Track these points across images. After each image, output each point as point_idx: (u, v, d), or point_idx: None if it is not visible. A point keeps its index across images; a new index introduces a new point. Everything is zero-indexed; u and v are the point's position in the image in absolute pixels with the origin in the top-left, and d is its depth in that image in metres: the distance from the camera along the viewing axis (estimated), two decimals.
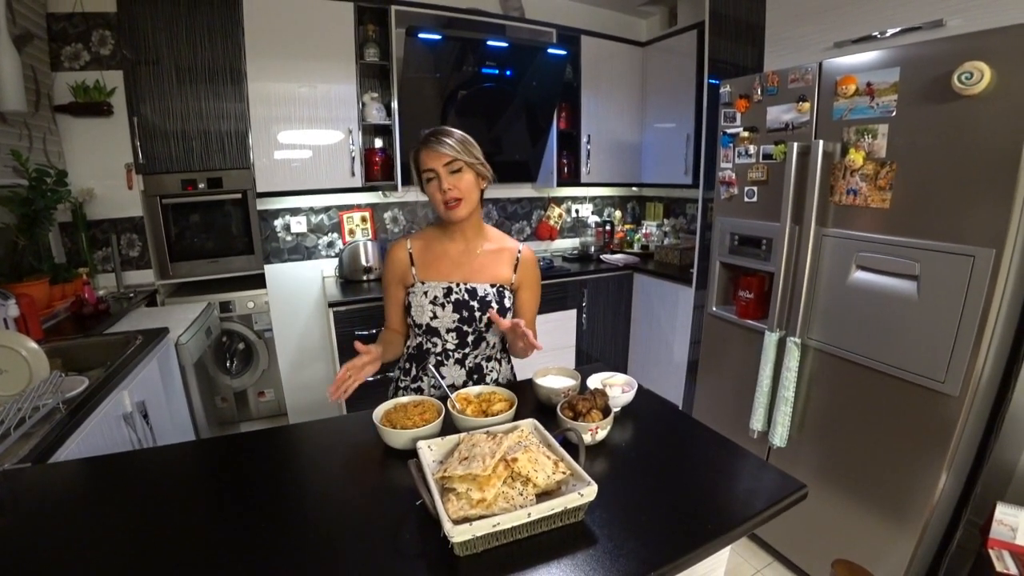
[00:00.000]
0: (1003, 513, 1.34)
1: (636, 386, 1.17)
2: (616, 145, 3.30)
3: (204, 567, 0.70)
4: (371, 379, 1.17)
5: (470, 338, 1.28)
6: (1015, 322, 1.36)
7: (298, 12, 2.33)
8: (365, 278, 2.75)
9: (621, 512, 0.81)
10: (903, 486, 1.49)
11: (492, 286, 1.28)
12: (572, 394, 1.10)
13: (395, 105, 2.60)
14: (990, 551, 1.33)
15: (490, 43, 2.55)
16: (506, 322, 1.18)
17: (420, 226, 3.10)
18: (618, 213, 3.78)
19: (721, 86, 1.98)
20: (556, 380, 1.19)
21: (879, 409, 1.54)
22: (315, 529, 0.78)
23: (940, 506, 1.44)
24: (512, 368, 1.44)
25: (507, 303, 1.29)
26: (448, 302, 1.25)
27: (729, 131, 1.96)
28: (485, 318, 1.26)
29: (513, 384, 1.38)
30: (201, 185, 2.66)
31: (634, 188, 3.73)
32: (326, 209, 2.89)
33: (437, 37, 2.43)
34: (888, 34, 1.58)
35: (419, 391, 1.32)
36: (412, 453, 0.87)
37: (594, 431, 0.98)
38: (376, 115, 2.64)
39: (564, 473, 0.79)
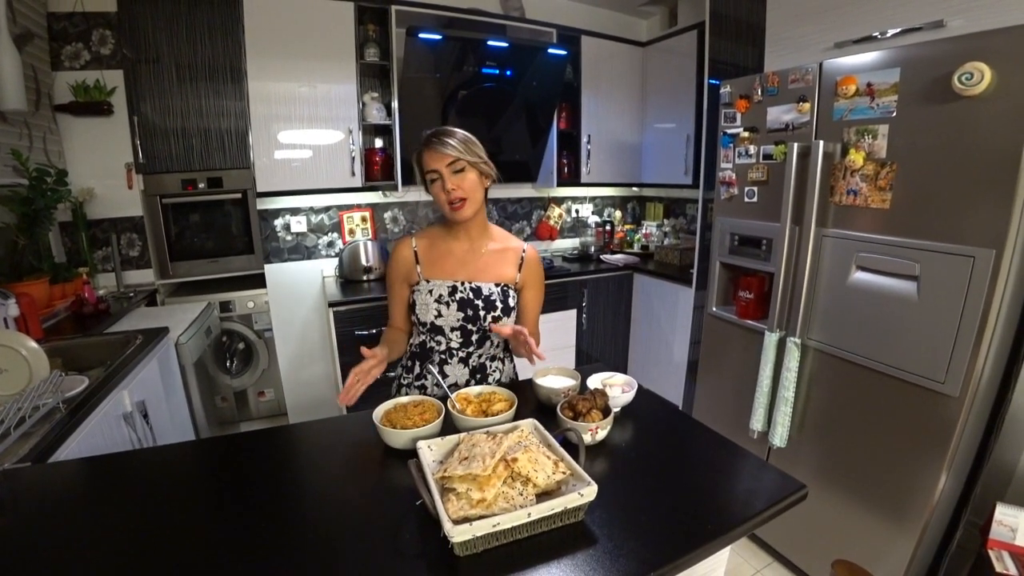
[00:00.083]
0: (1003, 514, 1.34)
1: (636, 386, 1.17)
2: (616, 145, 3.30)
3: (204, 567, 0.70)
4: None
5: (474, 337, 1.28)
6: (1015, 323, 1.36)
7: (298, 11, 2.33)
8: (365, 278, 2.75)
9: (621, 512, 0.81)
10: (903, 486, 1.49)
11: (496, 285, 1.28)
12: (572, 394, 1.10)
13: (395, 105, 2.60)
14: (990, 551, 1.33)
15: (490, 43, 2.55)
16: (507, 329, 1.18)
17: (420, 226, 3.10)
18: (618, 213, 3.78)
19: (721, 86, 1.98)
20: (556, 380, 1.19)
21: (879, 409, 1.54)
22: (315, 529, 0.78)
23: (940, 506, 1.44)
24: (515, 367, 1.44)
25: (511, 302, 1.29)
26: (453, 301, 1.25)
27: (729, 131, 1.96)
28: (489, 317, 1.26)
29: (513, 384, 1.38)
30: (201, 185, 2.66)
31: (634, 188, 3.73)
32: (326, 209, 2.89)
33: (437, 37, 2.43)
34: (889, 34, 1.58)
35: (422, 388, 1.33)
36: (412, 453, 0.87)
37: (594, 431, 0.98)
38: (376, 115, 2.64)
39: (564, 473, 0.79)
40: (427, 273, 1.29)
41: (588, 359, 3.11)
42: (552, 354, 2.89)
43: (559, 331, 2.99)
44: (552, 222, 3.53)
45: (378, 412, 1.02)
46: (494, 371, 1.35)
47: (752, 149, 1.87)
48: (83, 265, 2.41)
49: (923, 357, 1.41)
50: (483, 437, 0.86)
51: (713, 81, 2.41)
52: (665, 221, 3.57)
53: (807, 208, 1.63)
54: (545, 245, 3.55)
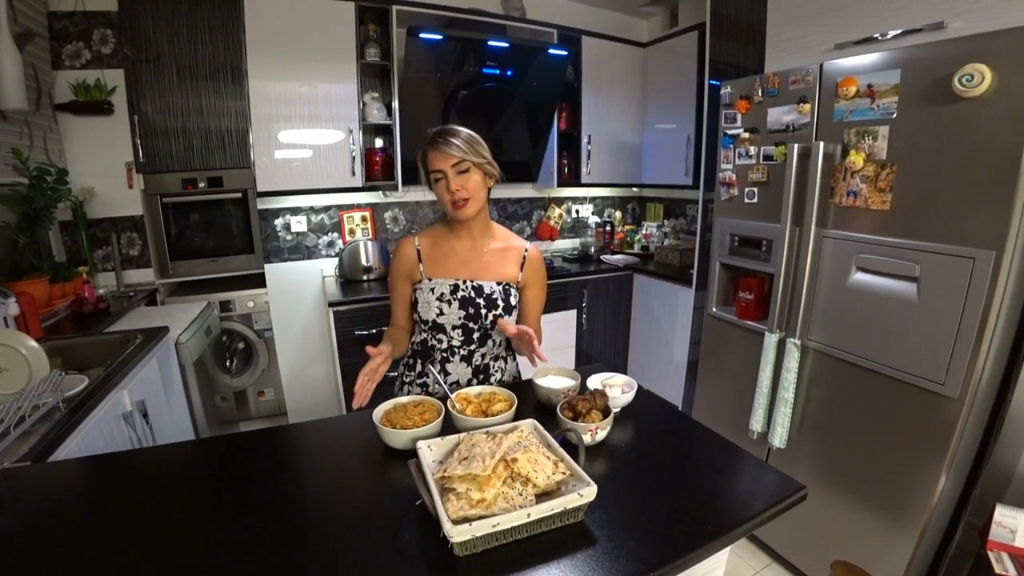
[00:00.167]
0: (1002, 515, 1.34)
1: (636, 387, 1.17)
2: (616, 146, 3.30)
3: (204, 567, 0.70)
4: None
5: (475, 335, 1.29)
6: (1015, 324, 1.36)
7: (299, 11, 2.33)
8: (365, 278, 2.74)
9: (621, 512, 0.81)
10: (902, 487, 1.49)
11: (498, 284, 1.29)
12: (572, 394, 1.10)
13: (396, 105, 2.60)
14: (989, 553, 1.33)
15: (491, 43, 2.55)
16: (513, 328, 1.19)
17: (420, 226, 3.10)
18: (618, 214, 3.78)
19: (722, 87, 1.98)
20: (556, 380, 1.19)
21: (879, 410, 1.54)
22: (315, 529, 0.78)
23: (939, 508, 1.44)
24: (517, 365, 1.44)
25: (513, 301, 1.30)
26: (454, 299, 1.26)
27: (730, 132, 1.96)
28: (491, 316, 1.26)
29: (514, 384, 1.38)
30: (201, 184, 2.66)
31: (634, 189, 3.73)
32: (326, 208, 2.89)
33: (438, 37, 2.43)
34: (889, 36, 1.58)
35: (424, 386, 1.33)
36: (412, 453, 0.87)
37: (594, 431, 0.98)
38: (377, 115, 2.64)
39: (564, 473, 0.79)
40: (429, 271, 1.29)
41: (588, 359, 3.11)
42: (552, 354, 2.88)
43: (559, 331, 2.99)
44: (552, 222, 3.53)
45: (378, 412, 1.02)
46: (497, 371, 1.36)
47: (752, 150, 1.87)
48: (83, 264, 2.41)
49: (923, 358, 1.41)
50: (483, 437, 0.86)
51: (714, 82, 2.41)
52: (665, 222, 3.57)
53: (807, 209, 1.63)
54: (545, 245, 3.55)
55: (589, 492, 0.74)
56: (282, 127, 2.42)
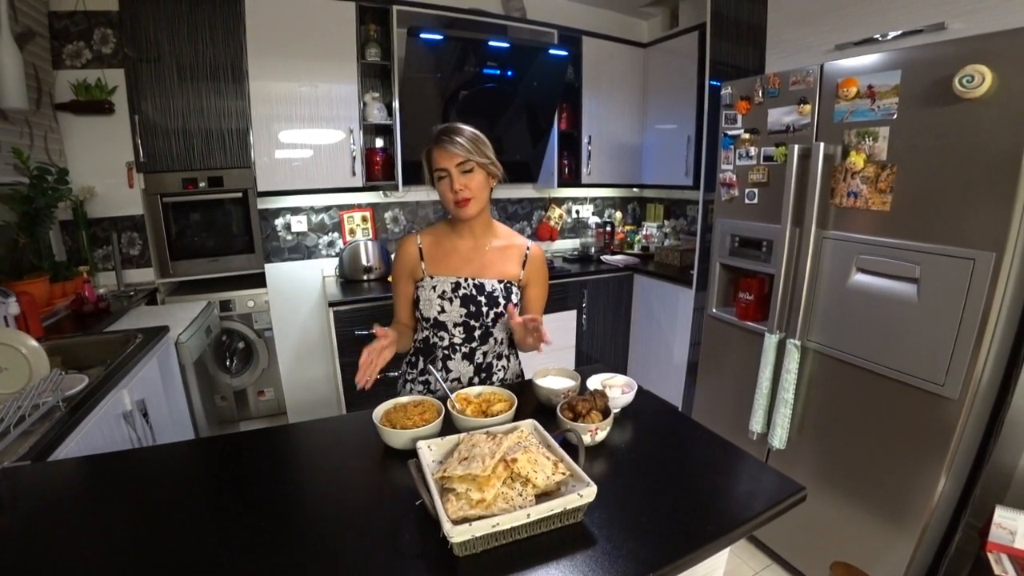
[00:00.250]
0: (1002, 516, 1.34)
1: (636, 387, 1.17)
2: (617, 146, 3.30)
3: (204, 566, 0.70)
4: (378, 375, 1.16)
5: (477, 333, 1.29)
6: (1015, 325, 1.36)
7: (300, 11, 2.33)
8: (365, 278, 2.75)
9: (620, 513, 0.81)
10: (902, 489, 1.49)
11: (500, 282, 1.29)
12: (572, 395, 1.10)
13: (396, 105, 2.60)
14: (989, 554, 1.33)
15: (491, 43, 2.55)
16: (518, 318, 1.19)
17: (420, 226, 3.10)
18: (618, 214, 3.78)
19: (722, 88, 1.98)
20: (556, 381, 1.19)
21: (879, 411, 1.54)
22: (315, 529, 0.78)
23: (939, 509, 1.44)
24: (520, 363, 1.45)
25: (514, 299, 1.30)
26: (456, 297, 1.26)
27: (730, 133, 1.96)
28: (492, 314, 1.27)
29: (514, 384, 1.38)
30: (202, 184, 2.66)
31: (635, 189, 3.73)
32: (327, 208, 2.89)
33: (438, 37, 2.43)
34: (890, 37, 1.58)
35: (426, 384, 1.34)
36: (412, 453, 0.87)
37: (594, 432, 0.98)
38: (377, 115, 2.64)
39: (563, 474, 0.79)
40: (431, 269, 1.30)
41: (588, 360, 3.11)
42: (552, 354, 2.90)
43: (559, 332, 2.99)
44: (552, 223, 3.53)
45: (378, 412, 1.02)
46: (499, 370, 1.36)
47: (753, 151, 1.87)
48: (83, 264, 2.41)
49: (923, 359, 1.41)
50: (483, 437, 0.86)
51: (714, 82, 2.41)
52: (665, 222, 3.57)
53: (807, 210, 1.63)
54: (545, 246, 3.55)
55: (589, 492, 0.74)
56: (282, 127, 2.42)
